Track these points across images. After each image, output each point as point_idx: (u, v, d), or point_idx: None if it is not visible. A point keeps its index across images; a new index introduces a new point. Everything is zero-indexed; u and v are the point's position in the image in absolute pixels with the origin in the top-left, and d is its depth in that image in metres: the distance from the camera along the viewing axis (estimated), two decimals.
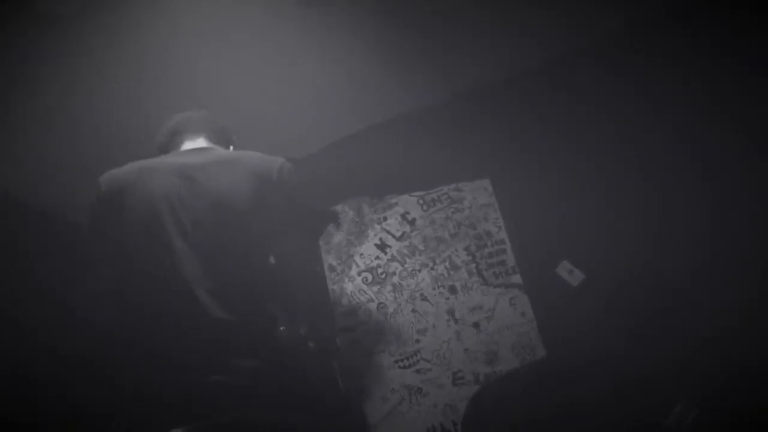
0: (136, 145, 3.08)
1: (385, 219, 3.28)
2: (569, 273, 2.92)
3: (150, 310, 1.73)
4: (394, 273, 3.18)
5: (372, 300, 3.15)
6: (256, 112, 3.08)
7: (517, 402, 2.66)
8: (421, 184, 3.26)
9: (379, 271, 3.21)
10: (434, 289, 3.10)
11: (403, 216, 3.26)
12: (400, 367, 3.00)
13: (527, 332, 2.92)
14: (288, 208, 1.94)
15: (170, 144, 2.12)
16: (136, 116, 2.92)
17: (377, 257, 3.24)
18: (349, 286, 3.21)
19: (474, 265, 3.08)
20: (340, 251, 3.30)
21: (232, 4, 2.49)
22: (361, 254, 3.26)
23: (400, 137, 3.33)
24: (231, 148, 2.19)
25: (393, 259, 3.21)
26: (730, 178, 2.67)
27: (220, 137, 2.18)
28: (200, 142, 2.10)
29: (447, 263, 3.12)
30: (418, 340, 3.03)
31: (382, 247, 3.25)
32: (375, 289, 3.18)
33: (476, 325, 2.99)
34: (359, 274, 3.23)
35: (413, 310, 3.09)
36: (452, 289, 3.08)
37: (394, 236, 3.25)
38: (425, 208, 3.24)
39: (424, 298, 3.10)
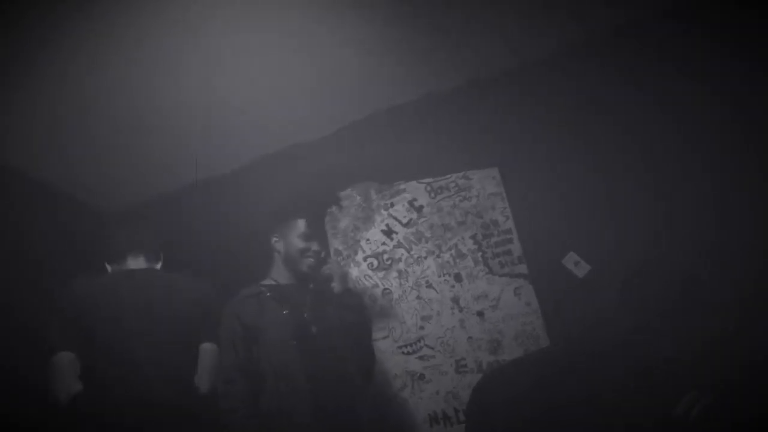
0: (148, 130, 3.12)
1: (393, 205, 3.28)
2: (575, 264, 2.91)
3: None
4: (399, 259, 3.19)
5: (377, 286, 3.16)
6: (269, 94, 3.07)
7: (520, 390, 2.66)
8: (430, 171, 3.25)
9: (385, 257, 3.22)
10: (440, 277, 3.10)
11: (411, 202, 3.26)
12: (403, 353, 3.02)
13: (531, 322, 2.92)
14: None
15: (116, 259, 2.76)
16: (149, 96, 2.92)
17: (383, 243, 3.24)
18: (354, 271, 3.22)
19: (480, 253, 3.08)
20: (347, 236, 3.30)
21: None
22: (368, 240, 3.27)
23: (409, 123, 3.31)
24: (160, 264, 2.82)
25: (399, 245, 3.22)
26: (733, 172, 2.66)
27: (155, 255, 2.81)
28: (141, 262, 2.74)
29: (453, 251, 3.12)
30: (422, 327, 3.04)
31: (388, 233, 3.25)
32: (380, 274, 3.19)
33: (481, 313, 2.99)
34: (365, 260, 3.24)
35: (418, 297, 3.10)
36: (458, 277, 3.08)
37: (400, 222, 3.25)
38: (433, 195, 3.23)
39: (429, 286, 3.10)
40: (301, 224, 2.64)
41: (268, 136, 3.41)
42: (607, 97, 2.96)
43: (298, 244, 2.60)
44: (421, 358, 3.00)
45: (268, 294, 2.54)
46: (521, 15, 2.83)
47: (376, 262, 3.21)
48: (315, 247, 2.62)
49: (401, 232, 3.23)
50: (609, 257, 2.83)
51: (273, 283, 2.62)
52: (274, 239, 2.66)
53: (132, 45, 2.58)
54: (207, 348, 2.55)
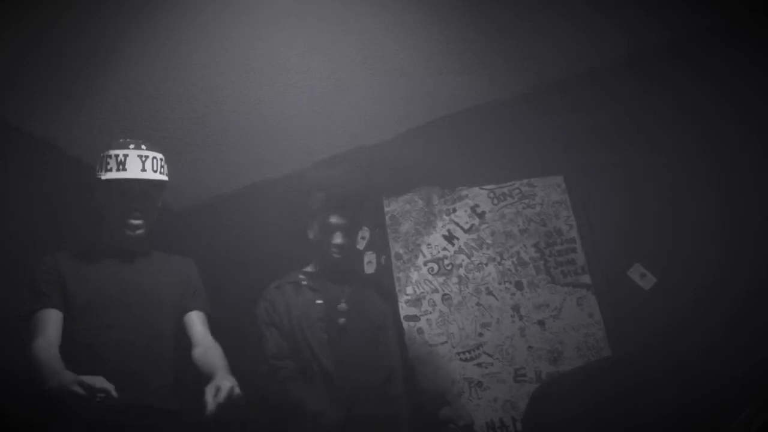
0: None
1: (455, 210, 3.28)
2: (641, 276, 2.83)
3: None
4: (460, 265, 3.18)
5: (437, 290, 3.16)
6: (333, 96, 3.12)
7: (580, 403, 2.61)
8: (493, 178, 3.23)
9: (446, 262, 3.21)
10: (500, 284, 3.08)
11: (473, 208, 3.24)
12: (461, 359, 3.01)
13: (594, 334, 2.86)
14: None
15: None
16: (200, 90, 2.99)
17: (444, 248, 3.24)
18: (414, 275, 3.23)
19: (542, 262, 3.04)
20: (408, 240, 3.31)
21: None
22: (428, 244, 3.27)
23: (474, 129, 3.30)
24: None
25: (460, 251, 3.21)
26: None
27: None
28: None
29: (515, 259, 3.09)
30: (481, 334, 3.03)
31: (449, 238, 3.25)
32: (440, 279, 3.19)
33: (541, 323, 2.95)
34: (425, 264, 3.24)
35: (478, 304, 3.08)
36: (519, 285, 3.05)
37: (462, 228, 3.24)
38: (495, 201, 3.21)
39: (489, 292, 3.08)
40: (331, 218, 2.57)
41: (333, 136, 3.45)
42: (680, 107, 2.87)
43: (324, 237, 2.56)
44: (479, 365, 2.98)
45: (304, 282, 2.55)
46: (590, 20, 2.78)
47: (436, 267, 3.22)
48: (338, 240, 2.53)
49: (462, 238, 3.22)
50: (677, 271, 2.74)
51: (312, 270, 2.63)
52: (310, 231, 2.64)
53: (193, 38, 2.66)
54: (194, 315, 2.21)
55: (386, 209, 3.40)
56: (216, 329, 2.27)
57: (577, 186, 3.07)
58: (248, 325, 3.33)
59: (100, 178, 2.12)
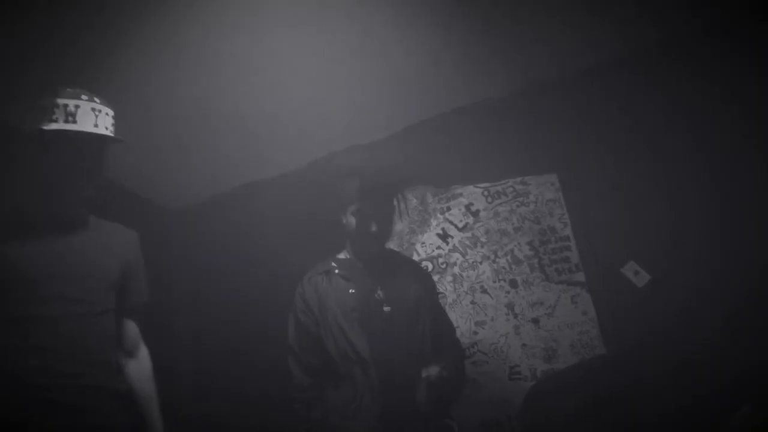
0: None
1: (449, 209, 3.28)
2: (635, 274, 2.84)
3: None
4: (454, 263, 3.18)
5: None
6: (330, 95, 3.11)
7: (574, 401, 2.63)
8: (487, 176, 3.23)
9: (440, 260, 3.22)
10: (495, 282, 3.08)
11: (467, 207, 3.24)
12: None
13: (588, 331, 2.87)
14: None
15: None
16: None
17: (438, 247, 3.24)
18: None
19: (536, 260, 3.04)
20: (402, 239, 3.31)
21: None
22: (423, 243, 3.27)
23: (468, 127, 3.30)
24: None
25: (454, 249, 3.21)
26: None
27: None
28: None
29: (509, 257, 3.09)
30: (475, 332, 3.03)
31: (444, 236, 3.25)
32: (435, 278, 3.17)
33: (536, 321, 2.96)
34: (420, 263, 3.23)
35: (472, 302, 3.08)
36: (513, 283, 3.05)
37: (456, 227, 3.24)
38: (490, 200, 3.21)
39: (483, 291, 3.09)
40: (365, 205, 2.38)
41: (330, 136, 3.44)
42: (674, 105, 2.88)
43: (361, 224, 2.37)
44: (474, 363, 2.98)
45: (337, 271, 2.40)
46: (586, 18, 2.78)
47: (430, 266, 3.22)
48: (374, 228, 2.35)
49: (457, 237, 3.22)
50: (670, 268, 2.75)
51: (346, 257, 2.48)
52: (343, 217, 2.43)
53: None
54: (130, 327, 2.10)
55: None
56: (216, 329, 2.22)
57: (570, 184, 3.08)
58: (247, 324, 3.39)
59: (41, 129, 1.78)
